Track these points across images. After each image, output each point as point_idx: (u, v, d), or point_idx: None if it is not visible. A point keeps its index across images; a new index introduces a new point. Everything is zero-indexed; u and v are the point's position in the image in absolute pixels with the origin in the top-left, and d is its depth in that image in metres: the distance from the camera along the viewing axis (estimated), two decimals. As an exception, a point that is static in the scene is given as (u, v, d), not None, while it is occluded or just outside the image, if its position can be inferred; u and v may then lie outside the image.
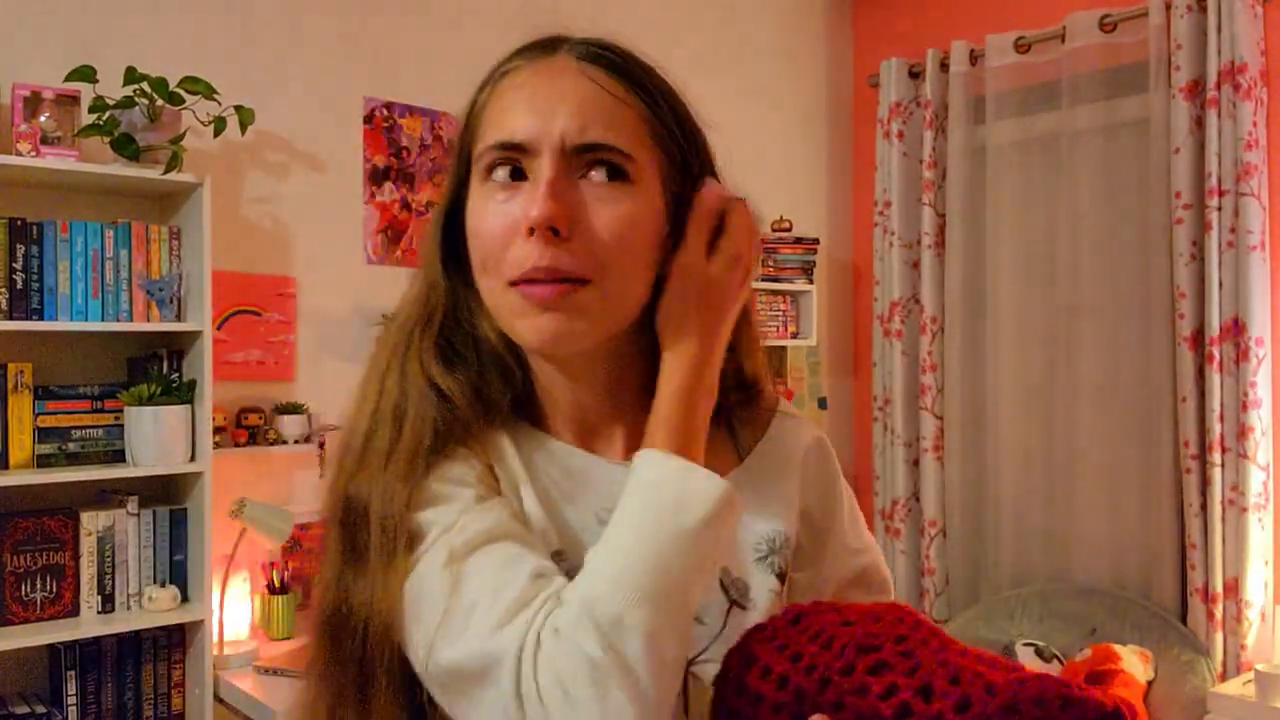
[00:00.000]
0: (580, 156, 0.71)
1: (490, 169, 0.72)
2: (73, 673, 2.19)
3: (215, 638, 2.31)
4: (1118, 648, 2.73)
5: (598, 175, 0.71)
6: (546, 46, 0.76)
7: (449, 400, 0.74)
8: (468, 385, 0.75)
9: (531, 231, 0.69)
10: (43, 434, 2.19)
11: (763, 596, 0.78)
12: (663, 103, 0.75)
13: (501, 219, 0.71)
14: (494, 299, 0.73)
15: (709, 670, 0.71)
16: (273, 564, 2.50)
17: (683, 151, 0.75)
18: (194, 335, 2.30)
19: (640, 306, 0.74)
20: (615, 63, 0.74)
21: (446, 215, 0.77)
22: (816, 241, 3.54)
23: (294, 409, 2.54)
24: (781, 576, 0.79)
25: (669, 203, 0.74)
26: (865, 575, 0.87)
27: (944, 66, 3.39)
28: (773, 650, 0.66)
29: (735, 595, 0.76)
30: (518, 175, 0.71)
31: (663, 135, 0.74)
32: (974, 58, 3.33)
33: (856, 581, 0.87)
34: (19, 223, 2.13)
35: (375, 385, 0.76)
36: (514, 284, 0.70)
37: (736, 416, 0.84)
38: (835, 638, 0.64)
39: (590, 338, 0.72)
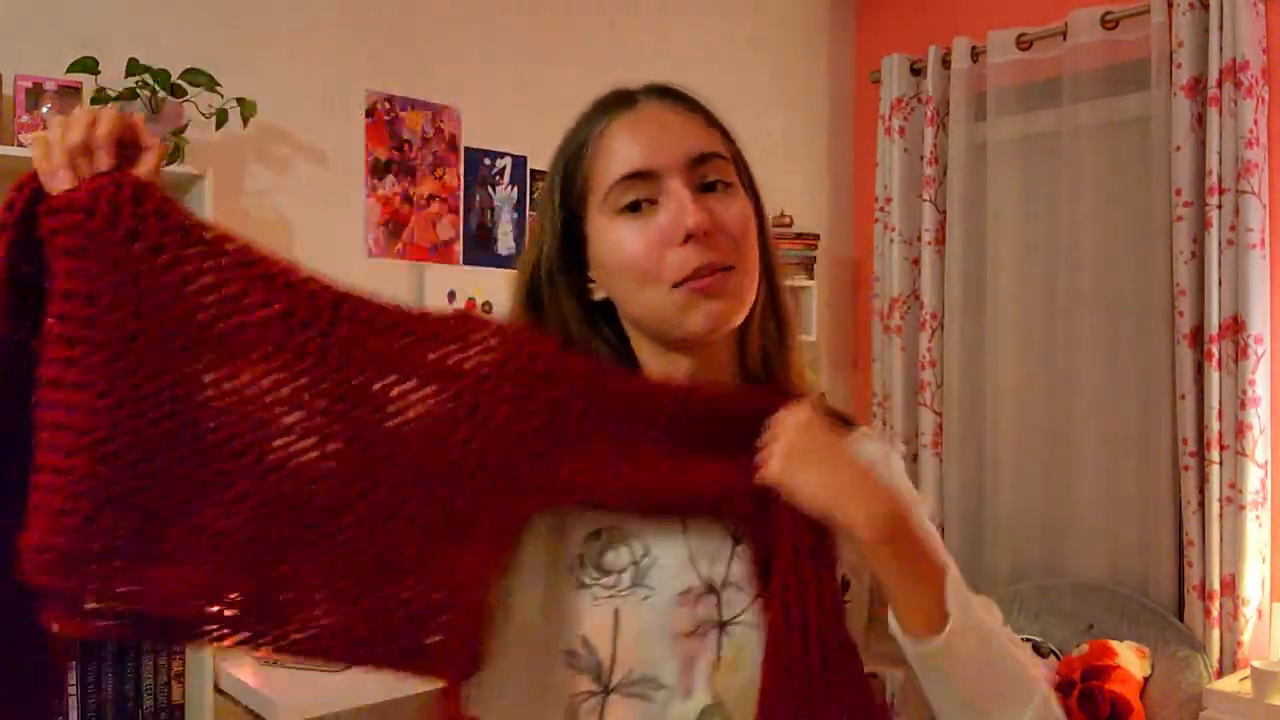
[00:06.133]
0: (697, 169, 0.85)
1: (620, 202, 0.84)
2: (73, 663, 2.19)
3: (215, 629, 2.31)
4: (1114, 644, 2.74)
5: (712, 184, 0.85)
6: (623, 101, 0.89)
7: None
8: None
9: (687, 239, 0.82)
10: (44, 425, 2.19)
11: None
12: (725, 125, 0.90)
13: (648, 238, 0.83)
14: (656, 303, 0.85)
15: (738, 631, 0.84)
16: (273, 556, 2.50)
17: (745, 163, 0.91)
18: (195, 327, 2.30)
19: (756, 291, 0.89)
20: (688, 100, 0.89)
21: (559, 256, 0.89)
22: (816, 237, 3.54)
23: (295, 401, 2.54)
24: None
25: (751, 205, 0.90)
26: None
27: (945, 63, 3.39)
28: None
29: None
30: (645, 204, 0.84)
31: (735, 150, 0.90)
32: (975, 54, 3.33)
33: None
34: (21, 214, 2.13)
35: None
36: (677, 285, 0.83)
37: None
38: None
39: (739, 317, 0.86)
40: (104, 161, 0.75)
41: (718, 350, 0.89)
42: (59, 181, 0.74)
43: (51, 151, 0.75)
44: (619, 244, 0.84)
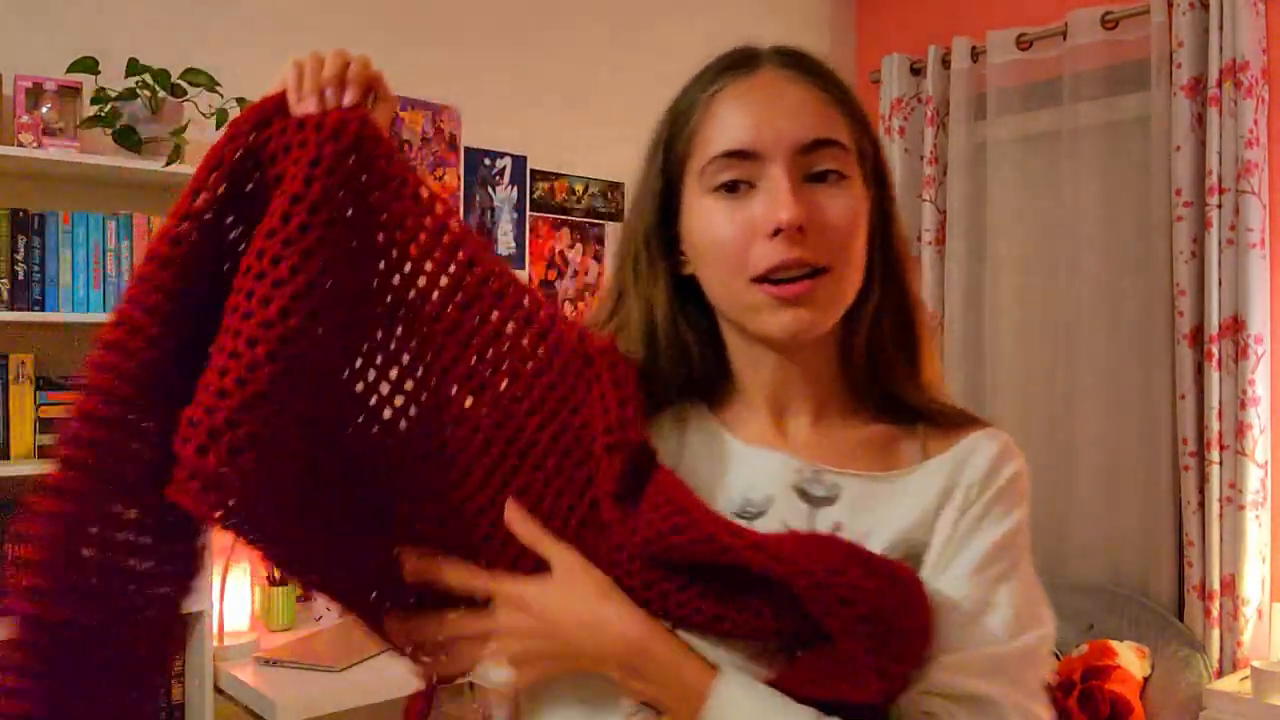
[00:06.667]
0: (806, 156, 0.77)
1: (716, 180, 0.78)
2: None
3: (215, 629, 2.32)
4: (1115, 644, 2.74)
5: (822, 174, 0.77)
6: (746, 62, 0.82)
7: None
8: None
9: (776, 232, 0.75)
10: (44, 425, 2.19)
11: None
12: (855, 104, 0.82)
13: (738, 224, 0.77)
14: (734, 296, 0.79)
15: None
16: (273, 556, 2.50)
17: (873, 148, 0.82)
18: (195, 327, 2.30)
19: (856, 294, 0.81)
20: (815, 69, 0.81)
21: (652, 226, 0.83)
22: (817, 237, 3.54)
23: (295, 401, 2.54)
24: None
25: (871, 197, 0.81)
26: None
27: (945, 63, 3.39)
28: None
29: None
30: (742, 185, 0.77)
31: (860, 134, 0.81)
32: (975, 54, 3.33)
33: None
34: (21, 214, 2.13)
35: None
36: (758, 281, 0.76)
37: (932, 420, 0.85)
38: None
39: (824, 326, 0.79)
40: (351, 97, 0.78)
41: (810, 353, 0.82)
42: (306, 106, 0.77)
43: (306, 78, 0.78)
44: (708, 225, 0.79)
